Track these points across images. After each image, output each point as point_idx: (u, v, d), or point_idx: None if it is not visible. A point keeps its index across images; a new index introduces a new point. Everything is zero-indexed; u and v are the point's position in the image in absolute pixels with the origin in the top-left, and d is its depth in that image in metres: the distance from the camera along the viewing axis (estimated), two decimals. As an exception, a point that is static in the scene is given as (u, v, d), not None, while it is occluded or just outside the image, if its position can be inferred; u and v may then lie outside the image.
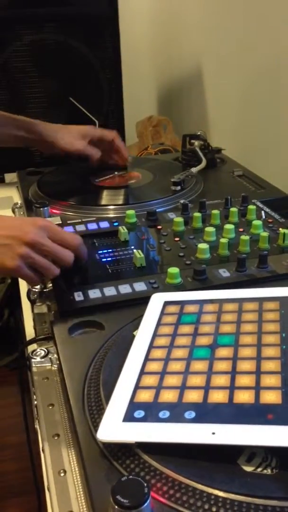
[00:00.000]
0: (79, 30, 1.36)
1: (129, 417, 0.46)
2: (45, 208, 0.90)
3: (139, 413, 0.46)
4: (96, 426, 0.47)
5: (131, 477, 0.40)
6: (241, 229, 0.82)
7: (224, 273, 0.71)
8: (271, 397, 0.45)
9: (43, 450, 0.54)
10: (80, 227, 0.86)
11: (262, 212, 0.89)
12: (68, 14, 1.35)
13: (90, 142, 1.07)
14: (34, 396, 0.62)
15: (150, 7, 1.98)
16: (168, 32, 1.87)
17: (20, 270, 0.65)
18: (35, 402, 0.61)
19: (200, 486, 0.40)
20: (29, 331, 0.79)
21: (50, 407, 0.58)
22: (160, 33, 1.96)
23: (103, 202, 0.97)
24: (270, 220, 0.86)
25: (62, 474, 0.50)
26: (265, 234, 0.78)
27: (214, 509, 0.39)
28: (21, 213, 1.06)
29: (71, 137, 1.05)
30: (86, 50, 1.38)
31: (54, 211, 0.92)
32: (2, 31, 1.31)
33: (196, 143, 1.14)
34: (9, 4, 1.31)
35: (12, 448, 1.55)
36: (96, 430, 0.46)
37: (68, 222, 0.88)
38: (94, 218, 0.89)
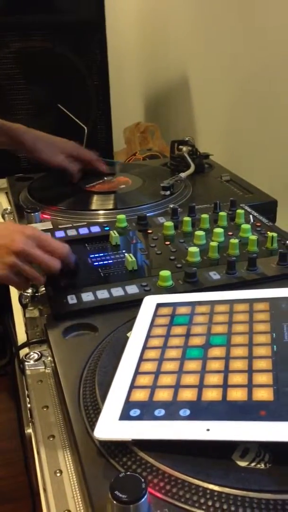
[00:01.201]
0: (66, 37, 1.37)
1: (125, 415, 0.47)
2: (36, 213, 0.91)
3: (135, 412, 0.47)
4: (92, 425, 0.48)
5: (128, 473, 0.41)
6: (230, 233, 0.84)
7: (215, 275, 0.72)
8: (263, 394, 0.46)
9: (38, 452, 0.54)
10: (71, 232, 0.86)
11: (250, 216, 0.90)
12: (56, 22, 1.36)
13: (68, 156, 1.08)
14: (28, 399, 0.62)
15: (137, 15, 2.00)
16: (155, 40, 1.89)
17: (8, 279, 0.67)
18: (29, 405, 0.61)
19: (196, 481, 0.41)
20: (21, 336, 0.80)
21: (45, 409, 0.59)
22: (147, 40, 1.98)
23: (94, 207, 0.98)
24: (258, 224, 0.87)
25: (58, 474, 0.51)
26: (253, 237, 0.79)
27: (209, 503, 0.40)
28: (11, 218, 1.06)
29: (51, 150, 1.07)
30: (74, 58, 1.39)
31: (45, 216, 0.93)
32: (-11, 39, 1.31)
33: (185, 148, 1.15)
34: (-4, 12, 1.32)
35: (2, 454, 1.54)
36: (92, 429, 0.47)
37: (59, 227, 0.88)
38: (85, 223, 0.90)
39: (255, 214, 0.91)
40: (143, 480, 0.40)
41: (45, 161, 1.07)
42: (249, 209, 0.93)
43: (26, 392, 0.63)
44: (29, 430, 0.59)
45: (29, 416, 0.61)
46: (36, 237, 0.69)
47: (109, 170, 1.14)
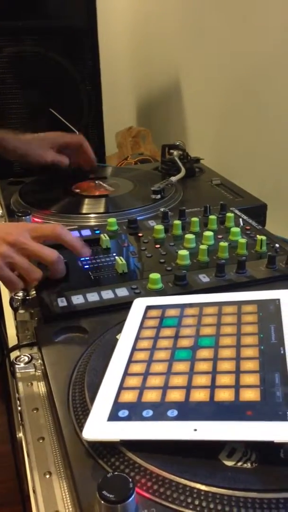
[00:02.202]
0: (58, 42, 1.38)
1: (113, 416, 0.47)
2: (27, 216, 0.91)
3: (123, 413, 0.47)
4: (81, 426, 0.48)
5: (116, 473, 0.41)
6: (220, 236, 0.85)
7: (204, 278, 0.73)
8: (250, 395, 0.47)
9: (28, 453, 0.54)
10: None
11: (240, 219, 0.91)
12: (48, 27, 1.37)
13: (58, 150, 1.09)
14: (18, 402, 0.62)
15: (129, 20, 2.01)
16: (147, 45, 1.91)
17: (0, 270, 0.65)
18: (19, 408, 0.61)
19: (183, 481, 0.42)
20: (12, 340, 0.80)
21: (35, 412, 0.59)
22: (139, 45, 1.99)
23: (85, 210, 0.99)
24: (247, 227, 0.88)
25: (47, 476, 0.51)
26: (243, 240, 0.80)
27: (196, 502, 0.40)
28: (3, 222, 1.07)
29: (40, 149, 1.09)
30: (66, 62, 1.39)
31: (36, 219, 0.93)
32: (-18, 44, 1.32)
33: (175, 153, 1.16)
34: (-12, 17, 1.33)
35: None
36: (81, 430, 0.47)
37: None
38: (76, 226, 0.90)
39: (245, 217, 0.92)
40: (130, 480, 0.40)
41: (37, 163, 1.08)
42: (239, 213, 0.94)
43: (17, 395, 0.64)
44: (21, 434, 0.59)
45: (19, 419, 0.61)
46: (33, 229, 0.68)
47: (99, 173, 1.15)
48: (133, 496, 0.39)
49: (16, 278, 0.67)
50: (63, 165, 1.10)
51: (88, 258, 0.80)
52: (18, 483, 1.03)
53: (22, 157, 1.10)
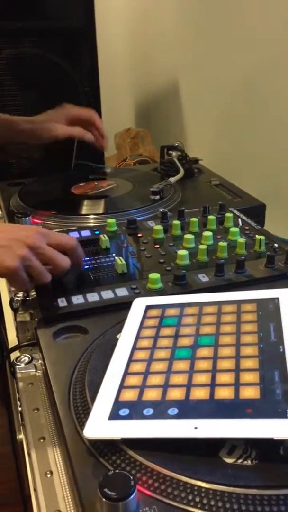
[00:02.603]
0: (57, 44, 1.38)
1: (114, 415, 0.47)
2: (27, 217, 0.91)
3: (124, 411, 0.48)
4: (82, 425, 0.48)
5: (117, 471, 0.41)
6: (219, 236, 0.85)
7: (203, 278, 0.73)
8: (250, 393, 0.47)
9: (29, 453, 0.55)
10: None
11: (239, 219, 0.91)
12: (47, 29, 1.37)
13: (69, 124, 1.09)
14: (19, 402, 0.63)
15: (127, 21, 2.02)
16: (145, 46, 1.91)
17: (18, 271, 0.65)
18: (20, 408, 0.62)
19: (184, 478, 0.42)
20: (12, 341, 0.80)
21: (36, 411, 0.59)
22: (137, 46, 1.99)
23: (84, 211, 0.99)
24: (246, 227, 0.89)
25: (48, 475, 0.51)
26: (242, 240, 0.80)
27: (197, 499, 0.41)
28: (5, 223, 1.07)
29: (50, 124, 1.08)
30: (65, 64, 1.40)
31: (36, 220, 0.93)
32: (-19, 45, 1.32)
33: (174, 153, 1.17)
34: (-13, 18, 1.33)
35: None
36: (82, 429, 0.47)
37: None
38: (76, 227, 0.90)
39: (244, 217, 0.92)
40: (131, 477, 0.40)
41: (49, 139, 1.07)
42: (237, 213, 0.94)
43: (17, 395, 0.64)
44: (21, 436, 0.59)
45: (20, 419, 0.61)
46: (47, 235, 0.70)
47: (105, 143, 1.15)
48: (134, 493, 0.40)
49: (27, 279, 0.68)
50: (76, 137, 1.08)
51: (88, 258, 0.80)
52: (19, 484, 1.03)
53: (33, 137, 1.08)
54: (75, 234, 0.88)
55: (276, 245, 0.81)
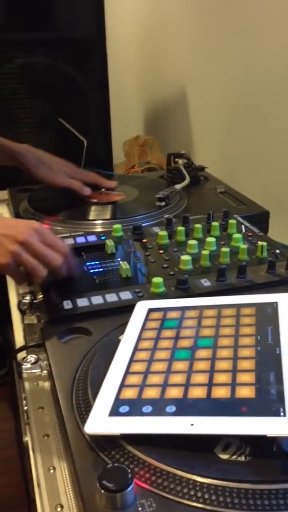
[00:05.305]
0: (68, 53, 1.41)
1: (114, 411, 0.49)
2: (35, 223, 0.93)
3: (124, 408, 0.49)
4: (83, 421, 0.50)
5: (116, 464, 0.43)
6: (222, 242, 0.87)
7: (206, 282, 0.75)
8: (245, 392, 0.49)
9: (33, 450, 0.57)
10: (69, 241, 0.89)
11: (243, 226, 0.93)
12: (57, 38, 1.40)
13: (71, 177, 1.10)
14: (25, 402, 0.64)
15: (137, 31, 2.05)
16: (154, 55, 1.94)
17: (9, 268, 0.69)
18: (26, 407, 0.63)
19: (180, 472, 0.44)
20: (20, 343, 0.82)
21: (40, 410, 0.61)
22: (146, 56, 2.02)
23: (91, 217, 1.01)
24: (249, 234, 0.90)
25: (51, 471, 0.53)
26: (244, 246, 0.82)
27: (192, 492, 0.42)
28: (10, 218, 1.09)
29: (53, 172, 1.09)
30: (75, 73, 1.43)
31: (44, 225, 0.95)
32: (-6, 54, 1.36)
33: (180, 161, 1.19)
34: (0, 28, 1.37)
35: (2, 462, 1.56)
36: (83, 425, 0.49)
37: (57, 236, 0.91)
38: (82, 232, 0.92)
39: (247, 224, 0.94)
40: (129, 470, 0.42)
41: (47, 182, 1.09)
42: (241, 220, 0.96)
43: (23, 394, 0.66)
44: (27, 438, 0.61)
45: (25, 418, 0.63)
46: (41, 232, 0.71)
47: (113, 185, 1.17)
48: (131, 485, 0.41)
49: (23, 273, 0.71)
50: (74, 190, 1.08)
51: (93, 263, 0.82)
52: (25, 486, 1.05)
53: (31, 173, 1.10)
54: (81, 239, 0.90)
55: (278, 251, 0.83)
